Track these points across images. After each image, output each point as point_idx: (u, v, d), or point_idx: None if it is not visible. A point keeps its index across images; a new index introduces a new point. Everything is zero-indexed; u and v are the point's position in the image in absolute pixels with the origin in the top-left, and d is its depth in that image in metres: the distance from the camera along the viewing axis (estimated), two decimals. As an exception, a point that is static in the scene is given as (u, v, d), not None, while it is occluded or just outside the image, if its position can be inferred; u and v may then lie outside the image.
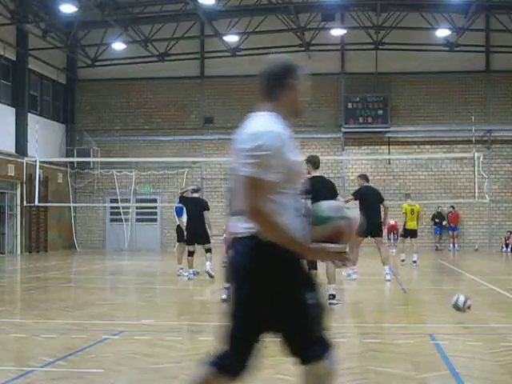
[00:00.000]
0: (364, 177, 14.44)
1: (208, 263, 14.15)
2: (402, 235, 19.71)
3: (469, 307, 7.62)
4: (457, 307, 7.65)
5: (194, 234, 14.37)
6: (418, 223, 19.20)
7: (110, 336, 7.33)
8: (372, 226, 12.80)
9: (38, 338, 7.23)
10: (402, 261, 18.84)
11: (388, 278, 13.60)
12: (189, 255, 14.48)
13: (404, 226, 19.26)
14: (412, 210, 19.03)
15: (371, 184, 14.94)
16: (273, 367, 5.74)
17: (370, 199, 13.62)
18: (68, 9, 24.26)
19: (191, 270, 14.41)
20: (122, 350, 6.54)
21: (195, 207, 14.50)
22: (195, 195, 14.98)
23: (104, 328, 8.07)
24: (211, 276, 13.92)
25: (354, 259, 13.46)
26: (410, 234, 19.03)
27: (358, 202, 13.53)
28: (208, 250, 14.42)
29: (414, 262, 18.31)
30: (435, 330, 7.64)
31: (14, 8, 24.97)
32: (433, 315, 8.98)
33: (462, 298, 7.64)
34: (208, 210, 14.86)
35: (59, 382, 5.30)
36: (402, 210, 19.61)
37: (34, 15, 26.10)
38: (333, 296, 9.85)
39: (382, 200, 14.08)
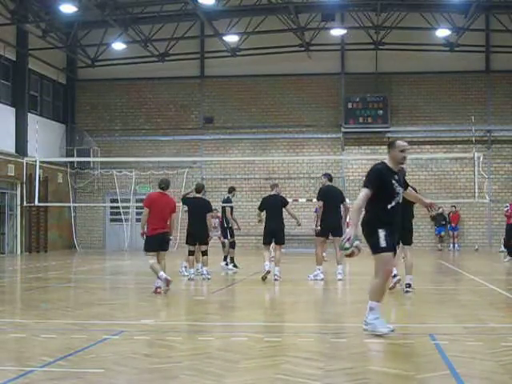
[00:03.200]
0: (327, 175, 14.50)
1: (205, 269, 14.22)
2: None
3: (357, 247, 7.32)
4: (345, 249, 7.37)
5: (194, 234, 14.30)
6: None
7: (110, 336, 7.32)
8: (332, 226, 13.68)
9: (37, 338, 7.23)
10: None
11: (340, 277, 13.60)
12: (189, 254, 14.46)
13: None
14: None
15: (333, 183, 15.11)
16: (273, 367, 5.74)
17: (331, 199, 13.86)
18: (68, 9, 24.28)
19: (192, 270, 14.40)
20: (122, 350, 6.54)
21: (197, 208, 14.38)
22: (198, 195, 14.77)
23: (104, 328, 8.07)
24: (208, 278, 14.05)
25: (320, 260, 13.97)
26: None
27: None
28: (204, 253, 14.39)
29: None
30: (435, 330, 7.64)
31: (14, 8, 24.98)
32: (433, 315, 8.98)
33: (347, 245, 7.36)
34: (211, 211, 14.82)
35: (59, 382, 5.30)
36: None
37: (34, 15, 26.11)
38: (408, 285, 11.05)
39: (343, 200, 14.24)
